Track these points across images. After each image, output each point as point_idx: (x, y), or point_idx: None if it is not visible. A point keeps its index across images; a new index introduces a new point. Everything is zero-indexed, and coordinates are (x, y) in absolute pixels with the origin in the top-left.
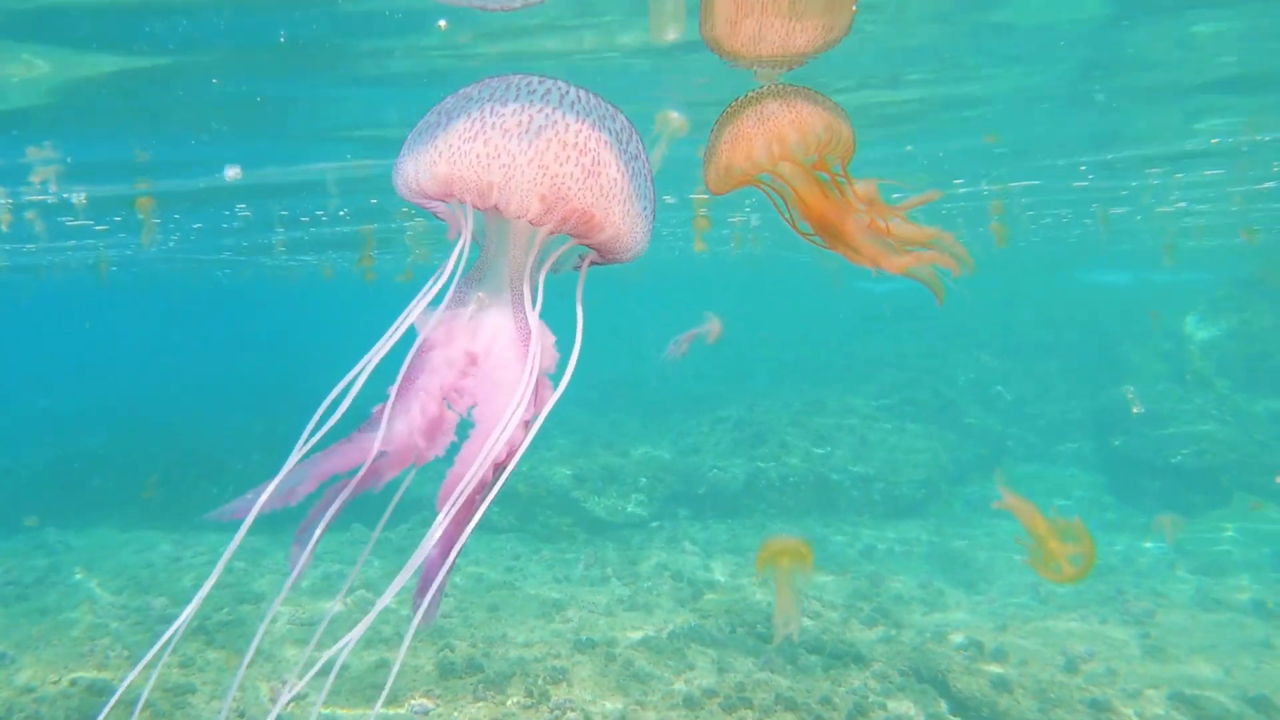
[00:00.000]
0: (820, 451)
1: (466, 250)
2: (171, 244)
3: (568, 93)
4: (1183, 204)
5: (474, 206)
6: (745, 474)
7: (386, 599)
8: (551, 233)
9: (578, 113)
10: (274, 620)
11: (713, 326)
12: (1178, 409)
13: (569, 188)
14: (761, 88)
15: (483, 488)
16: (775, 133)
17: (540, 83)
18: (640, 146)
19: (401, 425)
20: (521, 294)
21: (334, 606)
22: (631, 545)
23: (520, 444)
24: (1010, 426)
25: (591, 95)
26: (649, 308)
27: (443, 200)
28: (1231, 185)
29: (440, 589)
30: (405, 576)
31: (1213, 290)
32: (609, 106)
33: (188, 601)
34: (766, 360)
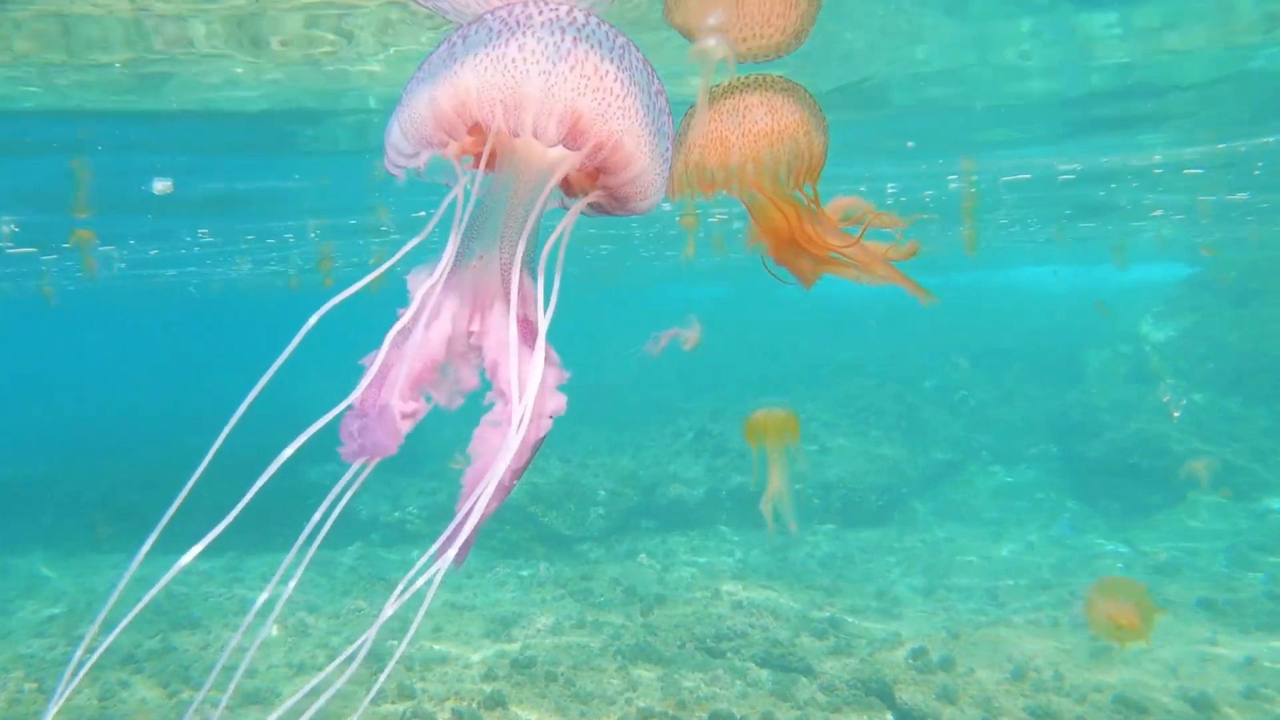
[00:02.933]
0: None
1: (463, 207)
2: (122, 267)
3: (590, 18)
4: (1159, 212)
5: (497, 132)
6: (706, 485)
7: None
8: (577, 167)
9: (607, 34)
10: (205, 647)
11: (693, 332)
12: (1135, 410)
13: (609, 105)
14: (744, 78)
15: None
16: (753, 146)
17: (561, 5)
18: (659, 82)
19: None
20: (522, 262)
21: (268, 630)
22: (588, 560)
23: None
24: (974, 431)
25: (609, 24)
26: (614, 315)
27: (450, 136)
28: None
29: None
30: (391, 609)
31: (1168, 290)
32: (628, 39)
33: (126, 630)
34: (731, 368)
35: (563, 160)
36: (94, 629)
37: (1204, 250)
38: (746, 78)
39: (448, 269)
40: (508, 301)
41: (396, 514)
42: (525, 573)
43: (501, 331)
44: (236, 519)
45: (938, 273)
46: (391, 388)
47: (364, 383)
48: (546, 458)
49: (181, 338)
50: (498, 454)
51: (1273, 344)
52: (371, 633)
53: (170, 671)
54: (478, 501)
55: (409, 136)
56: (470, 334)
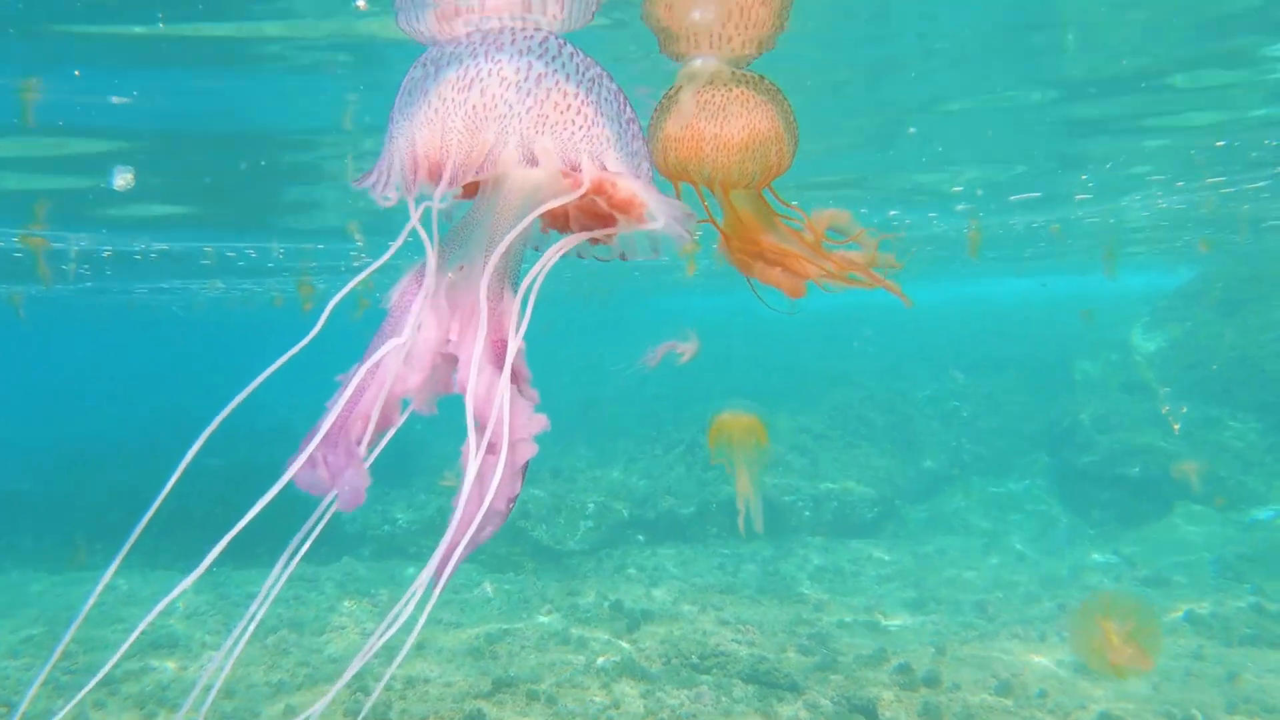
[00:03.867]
0: (773, 473)
1: (442, 222)
2: (88, 284)
3: (564, 46)
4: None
5: (472, 173)
6: (696, 499)
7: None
8: (559, 197)
9: (578, 67)
10: (184, 668)
11: (690, 346)
12: (1125, 420)
13: (572, 144)
14: (720, 74)
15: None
16: (726, 150)
17: (537, 32)
18: (631, 109)
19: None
20: (502, 280)
21: (240, 647)
22: (577, 574)
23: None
24: (966, 442)
25: (581, 52)
26: (609, 326)
27: (434, 172)
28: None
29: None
30: (382, 634)
31: (1157, 300)
32: (599, 66)
33: (104, 648)
34: (724, 380)
35: (544, 191)
36: (59, 650)
37: (1202, 245)
38: (722, 75)
39: (430, 284)
40: (483, 319)
41: (386, 527)
42: (512, 587)
43: (472, 351)
44: (222, 534)
45: (929, 282)
46: (367, 409)
47: (338, 405)
48: (537, 471)
49: (168, 353)
50: (478, 483)
51: (1260, 354)
52: (356, 664)
53: (148, 693)
54: (461, 533)
55: (391, 178)
56: (449, 342)
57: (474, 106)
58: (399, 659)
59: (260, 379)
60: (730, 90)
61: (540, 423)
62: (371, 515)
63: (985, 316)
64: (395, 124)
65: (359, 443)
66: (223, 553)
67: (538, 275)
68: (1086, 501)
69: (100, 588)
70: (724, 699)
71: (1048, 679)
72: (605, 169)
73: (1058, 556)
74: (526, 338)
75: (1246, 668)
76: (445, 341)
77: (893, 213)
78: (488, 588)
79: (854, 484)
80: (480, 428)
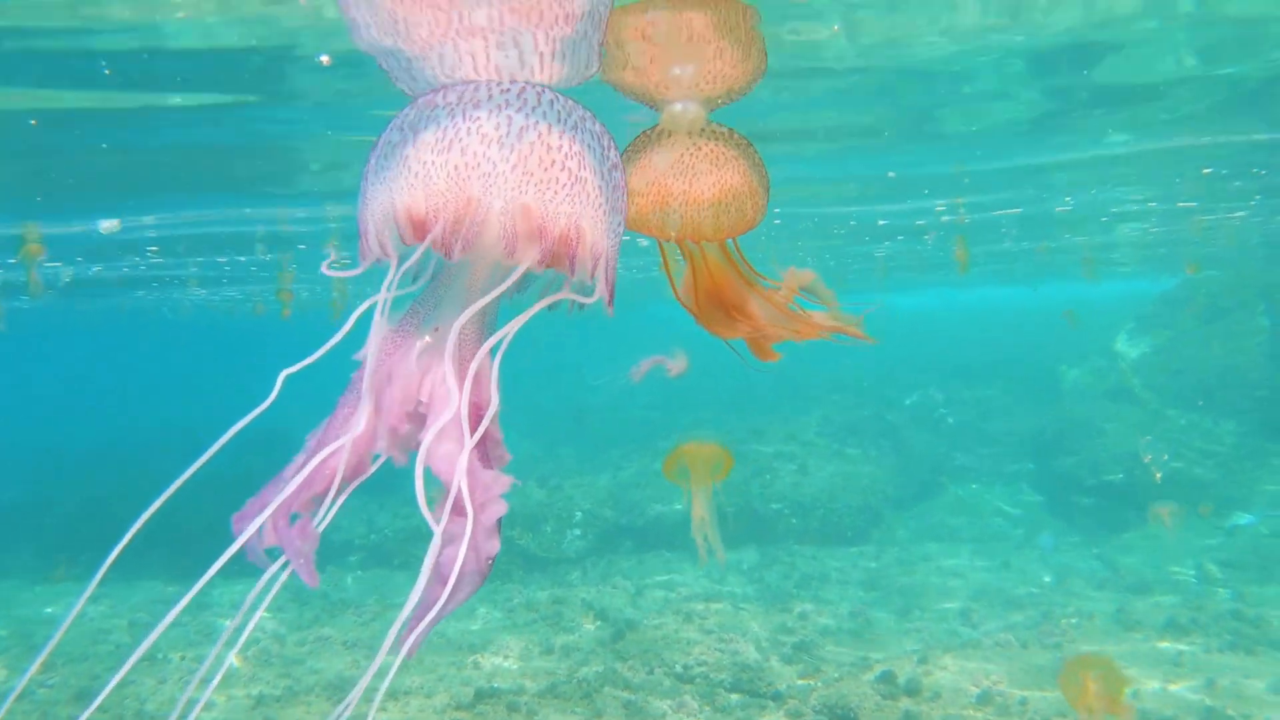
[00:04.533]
0: (760, 481)
1: (422, 274)
2: (65, 284)
3: (543, 94)
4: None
5: (453, 236)
6: (684, 506)
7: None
8: (529, 262)
9: (560, 115)
10: (163, 681)
11: (678, 363)
12: (1110, 427)
13: (561, 201)
14: (695, 124)
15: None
16: (693, 209)
17: (510, 85)
18: (616, 153)
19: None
20: (476, 339)
21: (229, 663)
22: (564, 582)
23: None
24: (953, 449)
25: (564, 97)
26: (598, 333)
27: (419, 230)
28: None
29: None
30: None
31: (1139, 307)
32: (582, 109)
33: (84, 660)
34: (712, 388)
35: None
36: (38, 663)
37: (1189, 269)
38: (697, 126)
39: (400, 341)
40: (454, 377)
41: (373, 536)
42: (499, 596)
43: (447, 410)
44: (206, 545)
45: (918, 291)
46: (330, 473)
47: (296, 474)
48: (525, 480)
49: (148, 361)
50: (451, 545)
51: (1242, 361)
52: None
53: (125, 705)
54: (434, 598)
55: (381, 225)
56: (420, 404)
57: (455, 167)
58: (388, 677)
59: (273, 394)
60: (700, 146)
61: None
62: (358, 524)
63: (973, 323)
64: (372, 187)
65: (325, 493)
66: (208, 564)
67: (505, 337)
68: (1071, 508)
69: (81, 602)
70: (707, 708)
71: (1029, 687)
72: (582, 236)
73: (1043, 563)
74: (513, 352)
75: (1224, 673)
76: (416, 403)
77: (882, 223)
78: (472, 597)
79: (841, 491)
80: (447, 493)
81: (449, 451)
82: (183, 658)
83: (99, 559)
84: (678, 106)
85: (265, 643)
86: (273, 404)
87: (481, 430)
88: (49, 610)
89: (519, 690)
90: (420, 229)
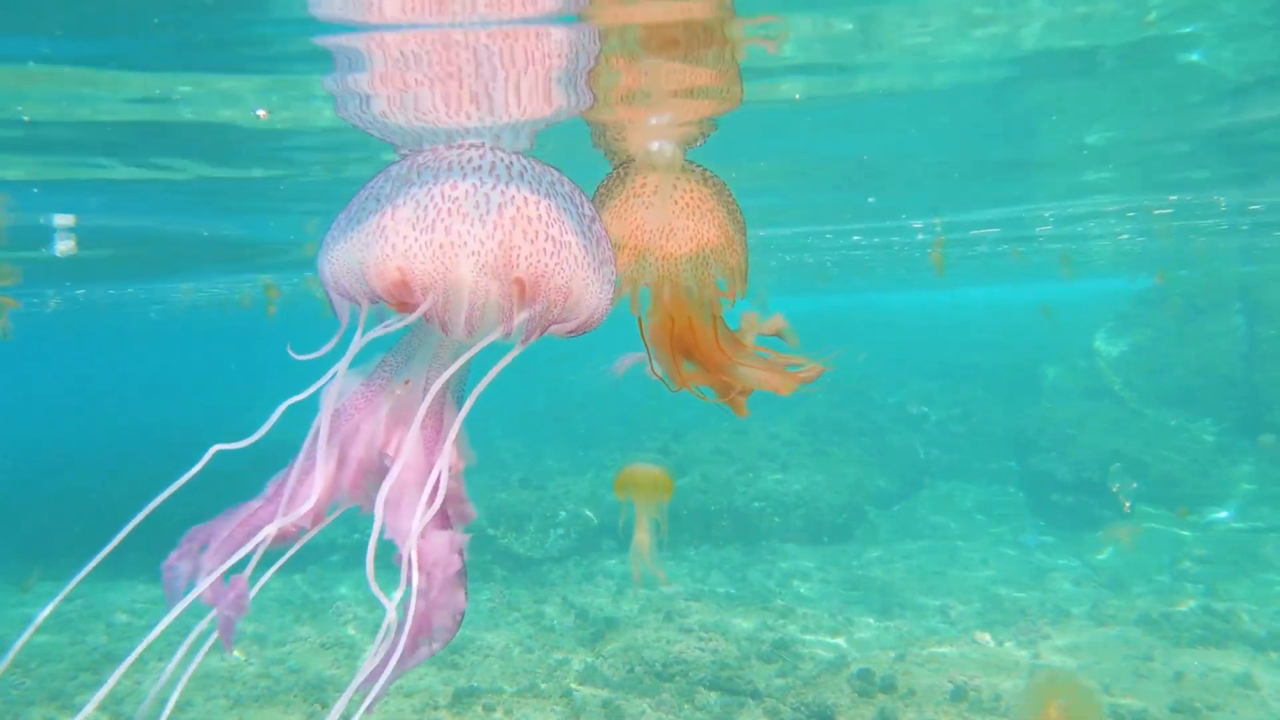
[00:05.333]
0: (743, 480)
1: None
2: (53, 306)
3: (514, 163)
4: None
5: (426, 307)
6: (668, 505)
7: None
8: (517, 323)
9: (530, 181)
10: (140, 681)
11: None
12: (1089, 425)
13: (545, 269)
14: (668, 163)
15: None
16: (673, 247)
17: (480, 153)
18: (591, 207)
19: (304, 494)
20: (448, 396)
21: (231, 655)
22: (546, 582)
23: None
24: (934, 448)
25: (532, 161)
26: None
27: (400, 302)
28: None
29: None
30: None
31: (1119, 305)
32: (551, 170)
33: (59, 660)
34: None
35: (497, 314)
36: (7, 662)
37: (1159, 277)
38: (673, 171)
39: (369, 395)
40: (420, 432)
41: (356, 536)
42: (482, 596)
43: (408, 470)
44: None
45: (899, 291)
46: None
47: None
48: (507, 480)
49: (130, 357)
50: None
51: (1218, 359)
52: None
53: (101, 705)
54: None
55: (343, 290)
56: (385, 455)
57: (441, 245)
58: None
59: (288, 403)
60: (678, 190)
61: (460, 542)
62: (339, 524)
63: (954, 322)
64: (343, 259)
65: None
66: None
67: (477, 390)
68: (1051, 506)
69: (57, 601)
70: (686, 706)
71: (1003, 683)
72: (570, 297)
73: (1022, 560)
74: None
75: (1193, 667)
76: (383, 455)
77: (856, 238)
78: None
79: (823, 490)
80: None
81: (403, 521)
82: (160, 660)
83: (75, 559)
84: (654, 145)
85: (245, 643)
86: (257, 404)
87: (440, 497)
88: (27, 611)
89: (498, 690)
90: (407, 305)
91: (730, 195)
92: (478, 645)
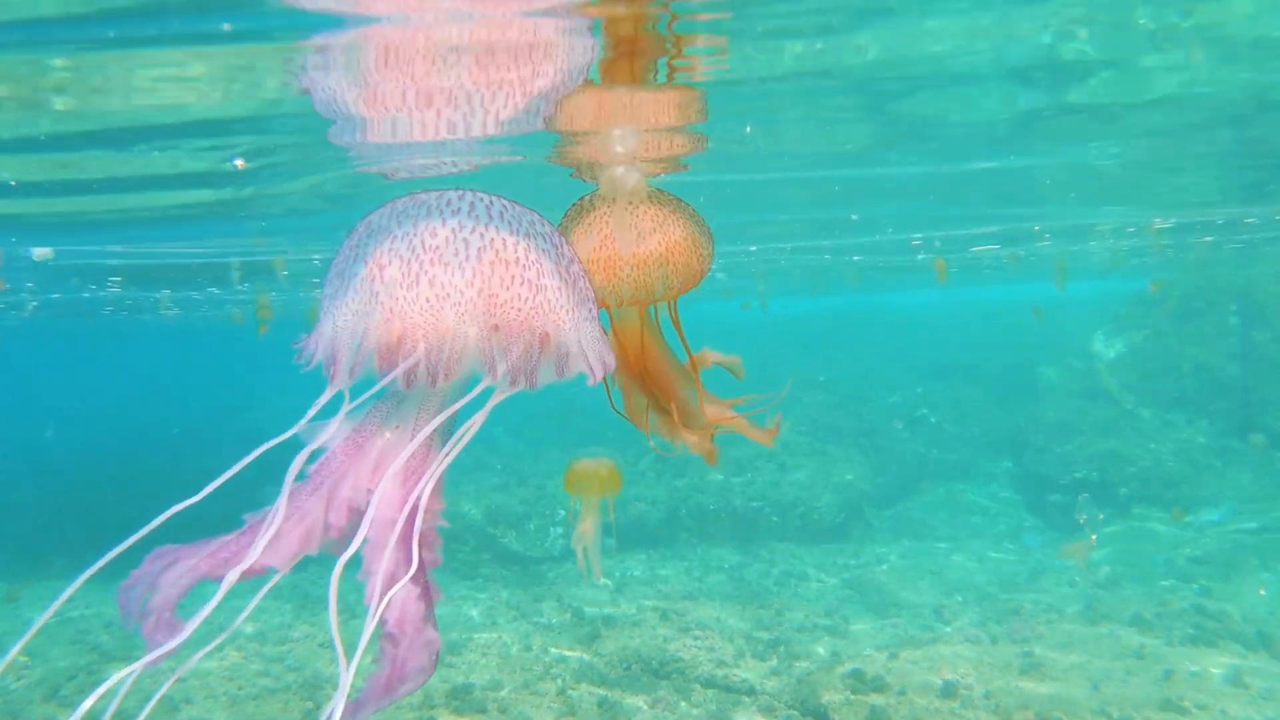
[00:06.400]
0: (740, 479)
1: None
2: (32, 308)
3: (492, 205)
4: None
5: (431, 366)
6: (667, 505)
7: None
8: (500, 375)
9: (509, 222)
10: (137, 680)
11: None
12: (1085, 426)
13: (524, 316)
14: (630, 191)
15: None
16: (644, 267)
17: (459, 197)
18: (570, 248)
19: (288, 531)
20: (436, 441)
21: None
22: (545, 580)
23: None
24: (932, 448)
25: (510, 203)
26: None
27: (390, 361)
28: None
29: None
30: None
31: (1116, 307)
32: (530, 212)
33: (64, 661)
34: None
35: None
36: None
37: (1153, 286)
38: (632, 193)
39: (359, 442)
40: (403, 477)
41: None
42: (481, 595)
43: (385, 511)
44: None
45: (896, 291)
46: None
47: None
48: (506, 480)
49: (126, 365)
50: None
51: (1214, 361)
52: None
53: (99, 703)
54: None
55: (341, 360)
56: (370, 498)
57: (427, 299)
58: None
59: (309, 414)
60: (639, 209)
61: (428, 587)
62: None
63: (952, 323)
64: (336, 318)
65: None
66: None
67: (465, 434)
68: (1047, 506)
69: (60, 602)
70: (682, 703)
71: (994, 680)
72: (550, 340)
73: (1017, 560)
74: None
75: (1184, 666)
76: (366, 493)
77: (856, 258)
78: (454, 595)
79: (821, 490)
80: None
81: (375, 562)
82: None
83: (77, 560)
84: (619, 170)
85: (243, 641)
86: (254, 406)
87: (416, 542)
88: (39, 608)
89: (495, 686)
90: (392, 361)
91: (691, 207)
92: (476, 643)
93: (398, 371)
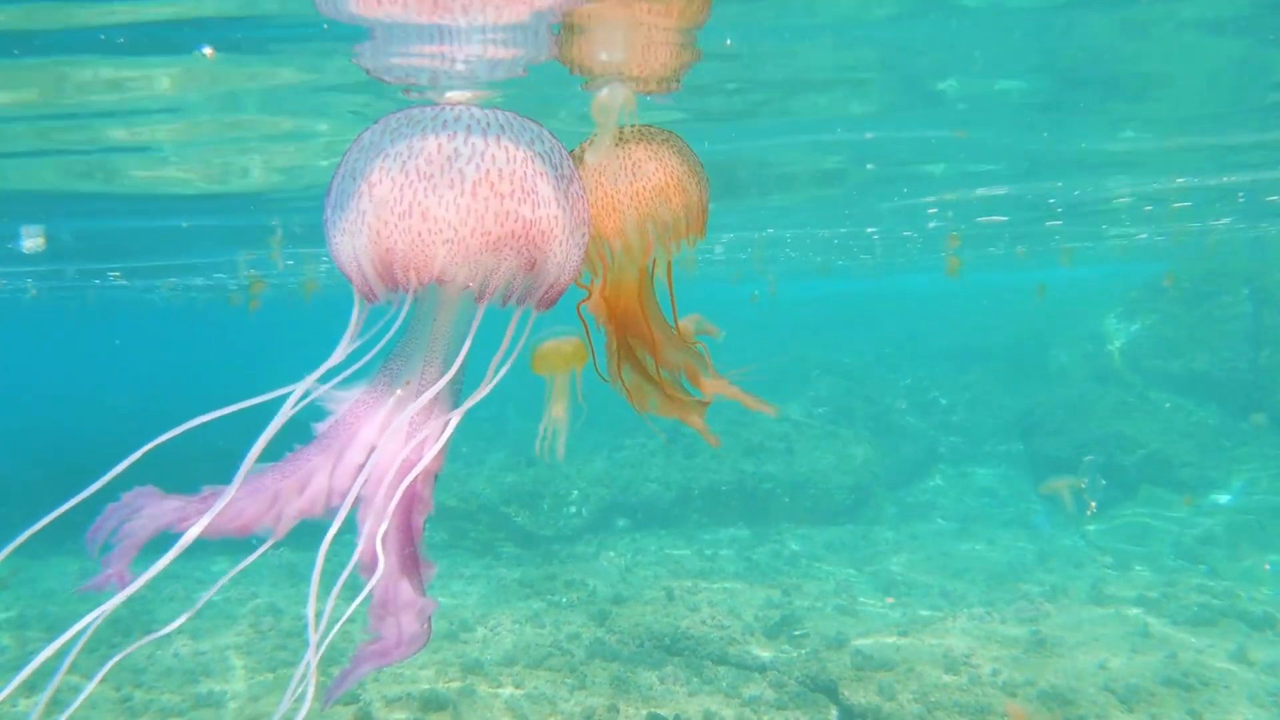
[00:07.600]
0: (751, 460)
1: (395, 326)
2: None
3: (490, 120)
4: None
5: (413, 282)
6: (679, 486)
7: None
8: (497, 290)
9: (507, 141)
10: (159, 648)
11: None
12: (1095, 409)
13: (520, 226)
14: (622, 129)
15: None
16: (646, 204)
17: (453, 113)
18: (572, 166)
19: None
20: (441, 382)
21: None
22: (558, 559)
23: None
24: (942, 431)
25: (511, 115)
26: None
27: (385, 282)
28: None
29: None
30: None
31: (1127, 291)
32: (532, 125)
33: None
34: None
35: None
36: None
37: (1167, 280)
38: (626, 130)
39: (370, 402)
40: (409, 434)
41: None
42: (494, 572)
43: (384, 467)
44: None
45: (910, 274)
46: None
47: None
48: (519, 459)
49: (123, 344)
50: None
51: (1225, 345)
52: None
53: (121, 673)
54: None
55: (349, 268)
56: (373, 450)
57: (418, 233)
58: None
59: (308, 382)
60: (629, 145)
61: (430, 575)
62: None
63: (964, 306)
64: (337, 239)
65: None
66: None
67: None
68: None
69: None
70: (694, 679)
71: (1001, 658)
72: (547, 265)
73: (1027, 541)
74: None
75: (1189, 644)
76: (370, 452)
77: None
78: (468, 573)
79: (832, 471)
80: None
81: (371, 521)
82: (179, 631)
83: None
84: (603, 92)
85: (259, 616)
86: (257, 385)
87: (416, 498)
88: (59, 580)
89: (509, 661)
90: (390, 281)
91: (682, 141)
92: (490, 620)
93: (405, 299)
